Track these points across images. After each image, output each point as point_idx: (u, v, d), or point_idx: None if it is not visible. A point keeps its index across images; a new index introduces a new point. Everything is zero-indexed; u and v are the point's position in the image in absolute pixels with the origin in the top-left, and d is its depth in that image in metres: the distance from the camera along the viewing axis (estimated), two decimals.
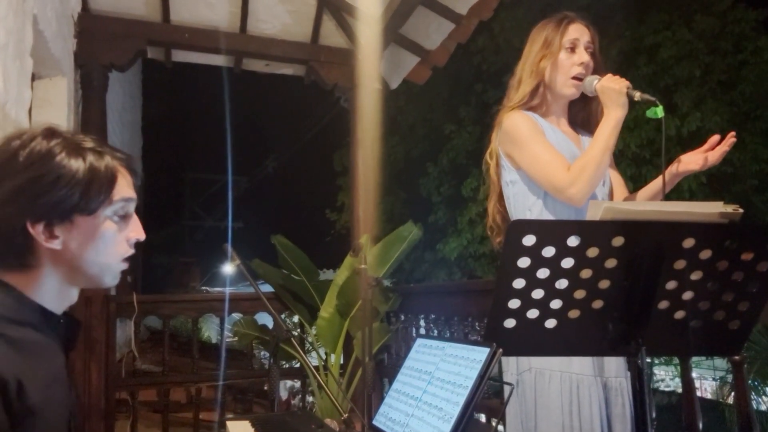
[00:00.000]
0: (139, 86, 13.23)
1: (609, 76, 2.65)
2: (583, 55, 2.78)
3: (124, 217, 1.79)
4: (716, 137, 2.68)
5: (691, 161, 2.72)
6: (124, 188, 1.77)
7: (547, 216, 2.73)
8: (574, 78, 2.79)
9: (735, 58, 13.72)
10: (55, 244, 1.67)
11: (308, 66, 7.26)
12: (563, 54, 2.79)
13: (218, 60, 7.45)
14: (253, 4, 6.81)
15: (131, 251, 1.83)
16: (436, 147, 16.54)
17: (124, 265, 1.83)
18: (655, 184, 2.88)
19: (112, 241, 1.76)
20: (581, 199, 2.59)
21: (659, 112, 2.49)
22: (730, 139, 2.67)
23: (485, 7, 6.59)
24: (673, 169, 2.77)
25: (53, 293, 1.72)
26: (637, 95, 2.55)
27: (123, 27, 6.35)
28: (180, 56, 7.29)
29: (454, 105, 16.30)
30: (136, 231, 1.83)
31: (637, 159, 12.89)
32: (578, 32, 2.80)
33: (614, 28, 13.31)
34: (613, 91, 2.59)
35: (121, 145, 9.61)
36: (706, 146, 2.70)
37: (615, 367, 2.63)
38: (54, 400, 1.62)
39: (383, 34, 6.73)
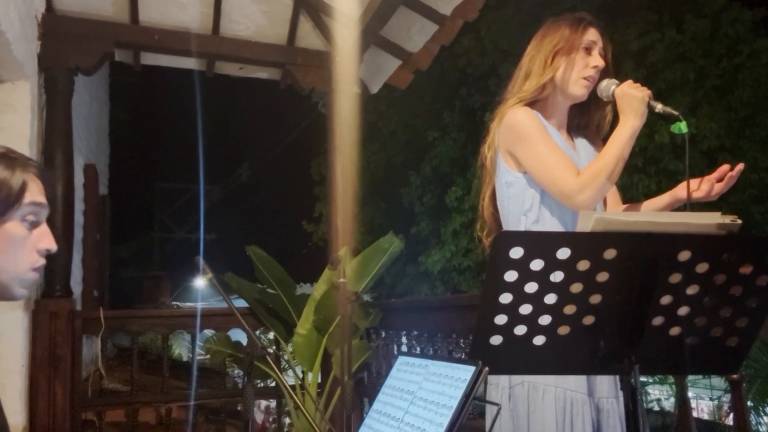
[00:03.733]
0: (107, 91, 13.14)
1: (629, 82, 2.65)
2: (598, 59, 2.79)
3: (34, 225, 1.82)
4: (727, 167, 2.67)
5: (698, 189, 2.70)
6: (36, 193, 1.80)
7: (544, 220, 2.73)
8: (585, 79, 2.78)
9: (731, 61, 13.73)
10: None
11: (284, 69, 7.25)
12: (579, 54, 2.79)
13: (189, 63, 7.44)
14: (226, 5, 6.80)
15: (42, 261, 1.85)
16: (418, 154, 16.53)
17: (35, 276, 1.85)
18: (659, 202, 2.87)
19: (21, 246, 1.78)
20: (589, 207, 2.58)
21: (683, 127, 2.48)
22: (739, 166, 2.66)
23: (470, 7, 6.59)
24: (678, 193, 2.76)
25: None
26: (659, 107, 2.54)
27: (89, 28, 6.32)
28: (149, 59, 7.26)
29: (437, 110, 16.30)
30: (46, 241, 1.85)
31: (628, 167, 12.84)
32: (595, 36, 2.81)
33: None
34: (635, 98, 2.58)
35: (87, 153, 9.57)
36: (715, 175, 2.68)
37: (606, 387, 2.62)
38: None
39: (363, 35, 6.72)
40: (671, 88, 13.30)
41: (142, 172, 27.37)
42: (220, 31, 6.93)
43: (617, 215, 1.71)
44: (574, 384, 2.55)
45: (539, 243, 1.70)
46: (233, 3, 6.84)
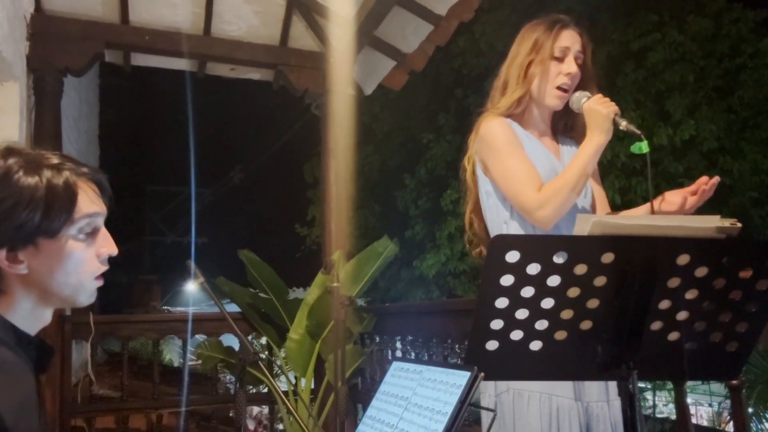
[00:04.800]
0: (96, 92, 13.11)
1: (598, 97, 2.64)
2: (571, 66, 2.76)
3: (92, 234, 1.79)
4: (705, 178, 2.65)
5: (671, 201, 2.68)
6: (87, 204, 1.76)
7: (526, 229, 2.73)
8: (559, 88, 2.77)
9: (732, 62, 13.73)
10: (21, 269, 1.69)
11: (277, 70, 7.23)
12: (551, 62, 2.77)
13: (181, 64, 7.42)
14: (217, 5, 6.78)
15: (104, 267, 1.83)
16: (413, 157, 16.50)
17: (99, 283, 1.83)
18: (635, 215, 2.87)
19: (80, 260, 1.76)
20: (548, 223, 2.60)
21: (644, 147, 2.48)
22: (714, 179, 2.64)
23: (466, 7, 6.58)
24: (655, 206, 2.75)
25: (26, 315, 1.74)
26: (623, 124, 2.54)
27: (79, 28, 6.30)
28: (140, 60, 7.25)
29: (432, 112, 16.27)
30: (106, 246, 1.83)
31: (626, 170, 12.88)
32: (570, 39, 2.78)
33: (600, 31, 13.28)
34: (600, 115, 2.57)
35: (76, 155, 9.54)
36: (693, 187, 2.65)
37: (596, 391, 2.62)
38: (24, 422, 1.61)
39: (357, 36, 6.71)
40: (670, 90, 13.29)
41: (132, 174, 27.31)
42: (211, 32, 6.91)
43: (615, 218, 1.71)
44: (560, 389, 2.55)
45: (536, 246, 1.69)
46: (225, 3, 6.81)
